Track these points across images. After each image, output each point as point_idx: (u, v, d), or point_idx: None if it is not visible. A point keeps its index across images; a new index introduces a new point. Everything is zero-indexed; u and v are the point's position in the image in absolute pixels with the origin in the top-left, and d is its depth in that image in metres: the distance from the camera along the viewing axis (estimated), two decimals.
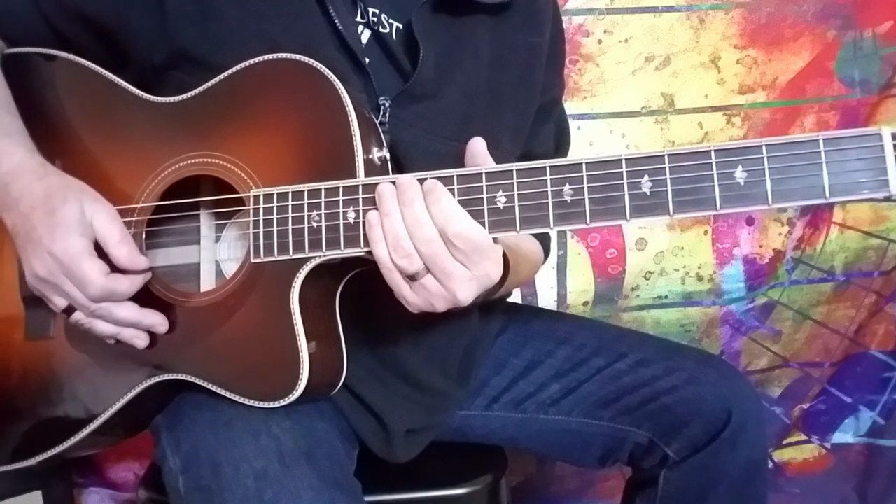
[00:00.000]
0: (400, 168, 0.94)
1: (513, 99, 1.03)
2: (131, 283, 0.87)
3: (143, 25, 0.93)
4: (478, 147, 0.83)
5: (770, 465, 1.83)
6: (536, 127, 1.09)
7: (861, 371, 1.84)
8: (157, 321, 0.89)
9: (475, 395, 1.13)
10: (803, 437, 1.89)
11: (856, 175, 0.70)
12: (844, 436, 1.88)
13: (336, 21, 0.92)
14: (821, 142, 0.70)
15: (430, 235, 0.78)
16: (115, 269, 0.86)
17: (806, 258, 1.80)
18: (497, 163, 0.82)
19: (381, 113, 0.94)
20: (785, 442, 1.89)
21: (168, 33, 0.92)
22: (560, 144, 1.17)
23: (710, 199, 0.72)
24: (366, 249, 0.82)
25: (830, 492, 1.86)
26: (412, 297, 0.81)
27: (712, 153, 0.72)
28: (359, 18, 0.97)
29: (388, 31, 0.97)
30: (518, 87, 1.04)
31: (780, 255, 1.80)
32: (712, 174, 0.72)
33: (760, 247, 1.80)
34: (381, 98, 0.94)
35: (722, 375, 1.06)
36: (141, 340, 0.89)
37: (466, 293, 0.79)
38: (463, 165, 0.82)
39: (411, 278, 0.80)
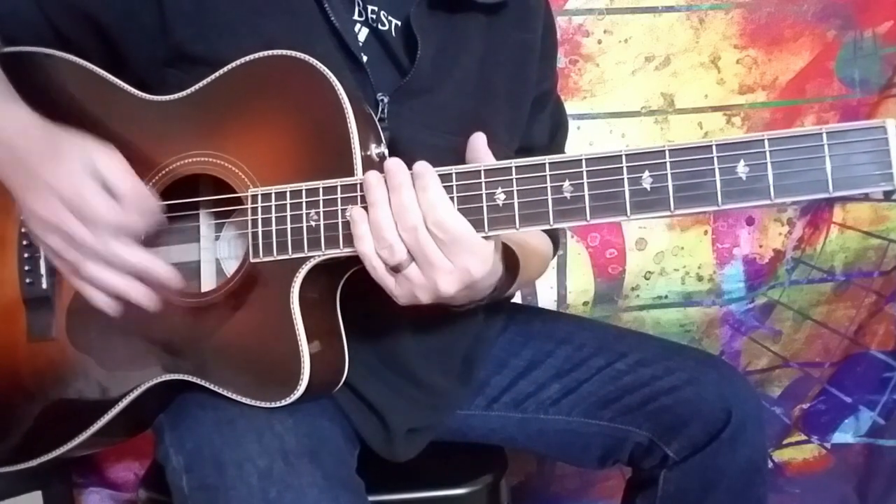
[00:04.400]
0: None
1: (506, 94, 1.04)
2: (142, 217, 0.83)
3: (144, 23, 0.93)
4: (478, 142, 0.83)
5: (770, 465, 1.82)
6: (530, 120, 1.10)
7: (861, 371, 1.84)
8: (170, 274, 0.85)
9: (475, 395, 1.13)
10: (803, 437, 1.89)
11: (860, 168, 0.68)
12: (844, 436, 1.87)
13: (332, 18, 0.92)
14: (824, 135, 0.69)
15: (414, 222, 0.77)
16: None
17: (806, 258, 1.80)
18: (494, 155, 0.82)
19: (380, 109, 0.94)
20: (785, 442, 1.89)
21: (166, 31, 0.92)
22: (554, 137, 1.17)
23: (711, 194, 0.71)
24: None
25: (830, 492, 1.86)
26: (397, 290, 0.80)
27: (714, 147, 0.71)
28: (357, 17, 0.97)
29: (386, 28, 0.97)
30: (511, 82, 1.05)
31: (780, 255, 1.80)
32: (714, 169, 0.71)
33: (760, 247, 1.80)
34: (380, 94, 0.94)
35: (722, 375, 1.06)
36: (150, 301, 0.85)
37: (447, 285, 0.78)
38: (461, 160, 0.82)
39: (395, 269, 0.79)
